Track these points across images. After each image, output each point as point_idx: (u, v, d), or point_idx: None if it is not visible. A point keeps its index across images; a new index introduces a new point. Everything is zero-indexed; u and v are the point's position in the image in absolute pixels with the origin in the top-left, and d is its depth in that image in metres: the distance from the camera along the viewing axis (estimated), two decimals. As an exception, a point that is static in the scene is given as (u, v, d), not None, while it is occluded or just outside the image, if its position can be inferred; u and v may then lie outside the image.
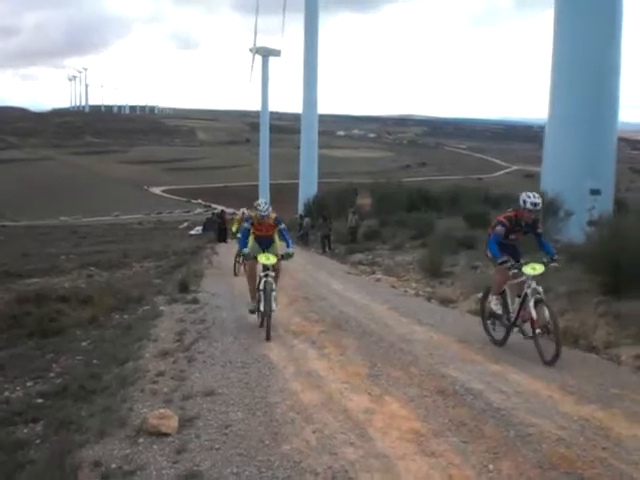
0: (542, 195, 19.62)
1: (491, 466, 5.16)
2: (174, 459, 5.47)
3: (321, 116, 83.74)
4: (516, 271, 9.13)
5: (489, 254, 9.71)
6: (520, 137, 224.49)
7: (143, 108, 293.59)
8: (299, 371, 8.18)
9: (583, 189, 21.42)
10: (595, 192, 21.73)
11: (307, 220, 37.06)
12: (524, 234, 9.60)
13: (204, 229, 53.20)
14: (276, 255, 11.11)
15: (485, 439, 5.73)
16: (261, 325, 10.79)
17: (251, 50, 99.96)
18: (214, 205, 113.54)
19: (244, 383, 7.69)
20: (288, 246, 11.39)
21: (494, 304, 9.65)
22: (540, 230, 9.50)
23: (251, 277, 11.44)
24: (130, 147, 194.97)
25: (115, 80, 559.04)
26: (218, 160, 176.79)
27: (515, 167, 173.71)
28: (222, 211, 45.28)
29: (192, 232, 65.76)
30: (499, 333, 9.67)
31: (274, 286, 10.68)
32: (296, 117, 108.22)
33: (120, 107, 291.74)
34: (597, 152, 22.04)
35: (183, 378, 7.94)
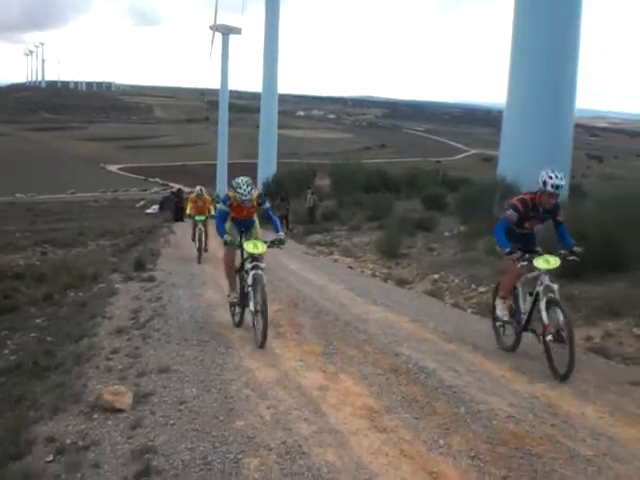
0: (502, 179, 19.90)
1: (442, 441, 5.25)
2: (129, 434, 5.48)
3: (281, 96, 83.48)
4: (525, 264, 7.62)
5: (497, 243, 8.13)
6: (479, 121, 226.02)
7: (100, 84, 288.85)
8: (255, 349, 8.20)
9: (539, 174, 21.71)
10: (551, 178, 22.03)
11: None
12: (541, 222, 8.07)
13: (161, 208, 52.79)
14: (265, 242, 9.17)
15: (436, 415, 5.83)
16: (248, 325, 9.15)
17: (211, 28, 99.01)
18: (171, 184, 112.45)
19: (199, 361, 7.69)
20: (277, 230, 9.49)
21: (500, 310, 8.21)
22: (561, 218, 7.84)
23: (230, 266, 9.66)
24: (87, 124, 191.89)
25: (73, 56, 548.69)
26: (176, 138, 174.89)
27: (474, 151, 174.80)
28: (179, 189, 44.89)
29: (148, 211, 65.25)
30: (509, 338, 8.20)
31: (265, 280, 8.73)
32: (256, 96, 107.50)
33: (77, 83, 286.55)
34: (554, 138, 22.36)
35: (138, 355, 7.92)
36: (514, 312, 8.04)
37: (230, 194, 9.32)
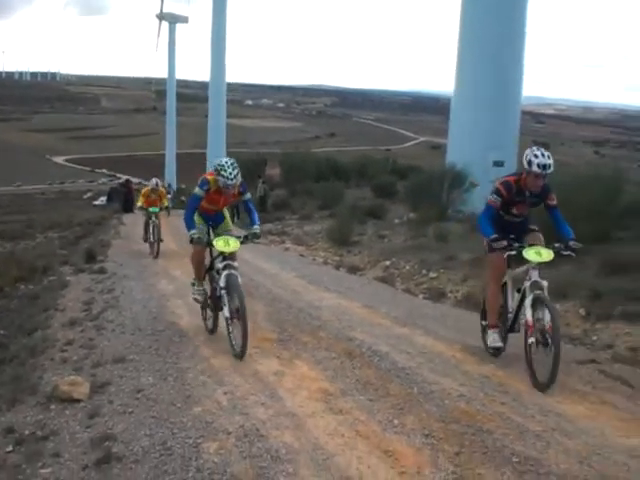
0: (451, 167, 20.15)
1: (396, 421, 5.41)
2: (87, 424, 5.53)
3: (229, 85, 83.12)
4: (513, 253, 6.80)
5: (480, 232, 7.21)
6: (428, 109, 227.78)
7: (45, 75, 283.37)
8: (209, 337, 8.26)
9: (487, 161, 22.09)
10: (498, 164, 22.44)
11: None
12: (532, 206, 7.11)
13: (109, 199, 52.06)
14: (238, 237, 8.02)
15: (390, 397, 5.99)
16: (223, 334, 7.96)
17: (158, 16, 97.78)
18: (119, 175, 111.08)
19: (154, 350, 7.72)
20: (253, 223, 8.24)
21: (491, 341, 7.22)
22: (554, 202, 6.89)
23: (199, 263, 8.52)
24: (32, 115, 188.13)
25: (17, 46, 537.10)
26: (123, 128, 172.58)
27: (423, 138, 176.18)
28: (127, 180, 44.44)
29: (96, 202, 64.35)
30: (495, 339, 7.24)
31: (240, 280, 7.68)
32: (204, 85, 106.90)
33: (21, 73, 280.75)
34: (501, 125, 22.77)
35: (93, 346, 7.92)
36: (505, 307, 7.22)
37: (209, 178, 7.87)
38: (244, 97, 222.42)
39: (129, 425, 5.43)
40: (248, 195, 8.37)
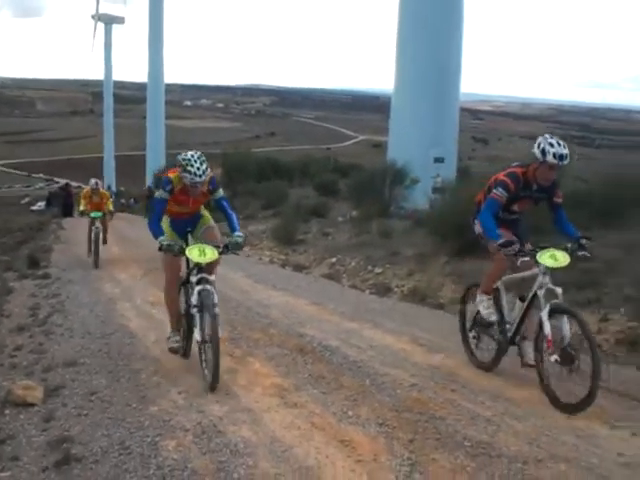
0: (393, 164, 20.38)
1: (350, 412, 5.55)
2: (43, 427, 5.52)
3: (167, 85, 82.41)
4: (527, 259, 6.01)
5: (479, 230, 6.46)
6: (367, 107, 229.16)
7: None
8: (160, 339, 8.23)
9: (428, 158, 22.46)
10: (439, 160, 22.87)
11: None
12: (535, 204, 6.42)
13: (48, 204, 51.18)
14: (217, 247, 6.67)
15: (343, 389, 6.13)
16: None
17: (93, 17, 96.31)
18: (57, 179, 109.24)
19: (105, 352, 7.72)
20: (234, 229, 6.94)
21: (484, 307, 6.52)
22: (560, 199, 6.18)
23: (172, 284, 7.09)
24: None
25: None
26: (60, 132, 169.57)
27: (363, 137, 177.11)
28: (67, 184, 43.74)
29: (34, 207, 63.17)
30: (486, 352, 6.66)
31: (216, 298, 6.51)
32: (141, 86, 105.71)
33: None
34: (440, 122, 23.17)
35: (42, 351, 7.86)
36: (498, 318, 6.45)
37: (172, 176, 6.70)
38: (182, 98, 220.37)
39: (85, 427, 5.45)
40: (220, 192, 7.03)
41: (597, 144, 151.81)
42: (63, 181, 66.78)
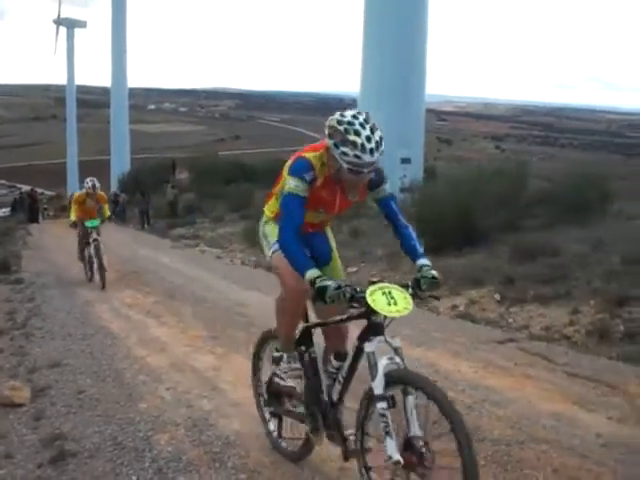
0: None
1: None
2: (33, 426, 5.57)
3: (131, 89, 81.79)
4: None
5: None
6: (332, 109, 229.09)
7: None
8: (141, 339, 8.38)
9: (394, 159, 22.68)
10: (405, 161, 23.12)
11: (123, 196, 36.53)
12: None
13: (13, 210, 50.67)
14: (404, 286, 3.76)
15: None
16: None
17: (55, 21, 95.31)
18: (19, 185, 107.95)
19: (88, 353, 7.80)
20: (417, 255, 4.07)
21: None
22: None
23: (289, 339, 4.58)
24: None
25: None
26: (22, 138, 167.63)
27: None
28: (32, 189, 43.41)
29: (-3, 214, 62.47)
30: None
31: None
32: (105, 91, 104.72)
33: None
34: (407, 123, 23.40)
35: (24, 353, 7.90)
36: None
37: (310, 156, 4.02)
38: (146, 102, 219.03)
39: (76, 424, 5.52)
40: (387, 188, 4.25)
41: (560, 143, 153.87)
42: (26, 187, 66.09)
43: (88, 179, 13.58)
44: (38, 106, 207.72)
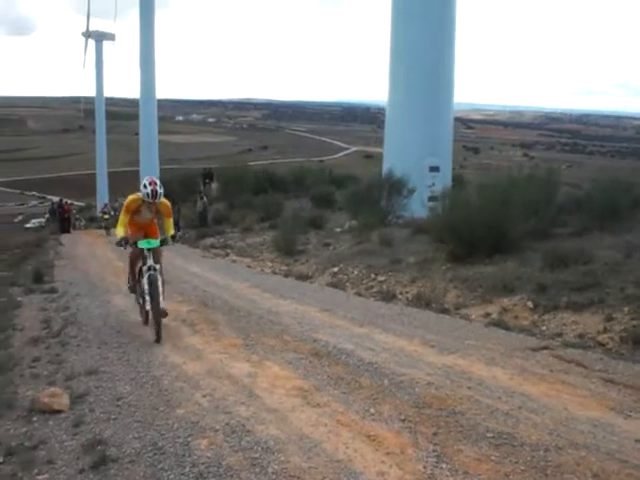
0: (390, 175, 20.67)
1: (372, 410, 5.74)
2: (73, 432, 5.66)
3: (159, 101, 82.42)
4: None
5: None
6: (359, 119, 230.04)
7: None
8: (176, 346, 8.45)
9: (423, 167, 22.67)
10: (434, 169, 23.07)
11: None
12: None
13: (47, 220, 51.05)
14: None
15: (363, 389, 6.32)
16: None
17: (84, 34, 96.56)
18: (49, 196, 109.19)
19: (125, 361, 7.88)
20: None
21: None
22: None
23: None
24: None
25: None
26: (51, 149, 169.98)
27: (355, 148, 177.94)
28: (61, 200, 43.90)
29: (28, 225, 63.25)
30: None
31: None
32: (132, 103, 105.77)
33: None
34: (435, 132, 23.33)
35: (61, 361, 8.00)
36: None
37: None
38: (174, 113, 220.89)
39: (116, 430, 5.60)
40: None
41: (589, 151, 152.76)
42: (56, 198, 66.81)
43: (146, 179, 9.19)
44: (67, 118, 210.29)
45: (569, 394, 5.95)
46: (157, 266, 9.06)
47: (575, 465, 4.54)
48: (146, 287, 8.93)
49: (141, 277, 9.27)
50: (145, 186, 8.95)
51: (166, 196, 9.27)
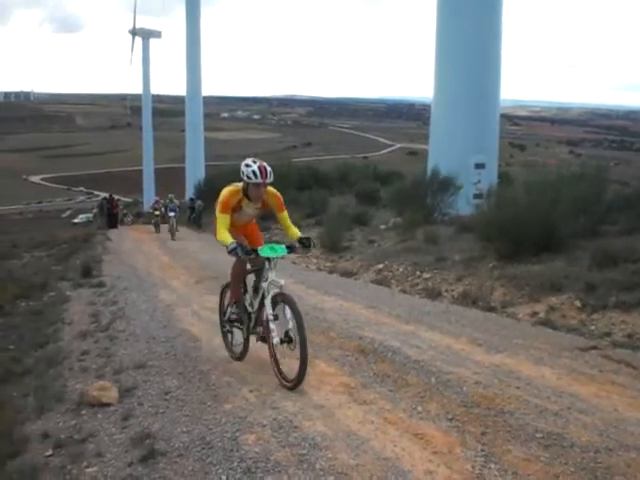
0: (436, 172, 20.58)
1: (420, 408, 5.72)
2: (122, 425, 5.74)
3: (204, 98, 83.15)
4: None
5: None
6: (403, 115, 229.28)
7: (18, 94, 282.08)
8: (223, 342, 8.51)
9: (469, 164, 22.48)
10: (480, 166, 22.86)
11: (199, 203, 37.10)
12: None
13: (101, 209, 51.55)
14: None
15: (410, 387, 6.30)
16: None
17: (131, 32, 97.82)
18: (97, 192, 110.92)
19: (172, 355, 7.97)
20: None
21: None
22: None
23: None
24: (5, 135, 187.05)
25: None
26: (99, 146, 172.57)
27: (399, 145, 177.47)
28: (110, 196, 44.42)
29: (76, 220, 64.26)
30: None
31: None
32: (178, 99, 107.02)
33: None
34: (481, 129, 23.12)
35: (110, 355, 8.13)
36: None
37: None
38: (219, 110, 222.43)
39: (164, 424, 5.66)
40: None
41: (637, 147, 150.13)
42: (104, 194, 67.80)
43: (250, 161, 6.92)
44: (114, 115, 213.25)
45: (619, 395, 5.86)
46: (282, 282, 6.80)
47: (625, 467, 4.48)
48: (270, 313, 6.67)
49: (254, 299, 7.28)
50: (248, 165, 6.81)
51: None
